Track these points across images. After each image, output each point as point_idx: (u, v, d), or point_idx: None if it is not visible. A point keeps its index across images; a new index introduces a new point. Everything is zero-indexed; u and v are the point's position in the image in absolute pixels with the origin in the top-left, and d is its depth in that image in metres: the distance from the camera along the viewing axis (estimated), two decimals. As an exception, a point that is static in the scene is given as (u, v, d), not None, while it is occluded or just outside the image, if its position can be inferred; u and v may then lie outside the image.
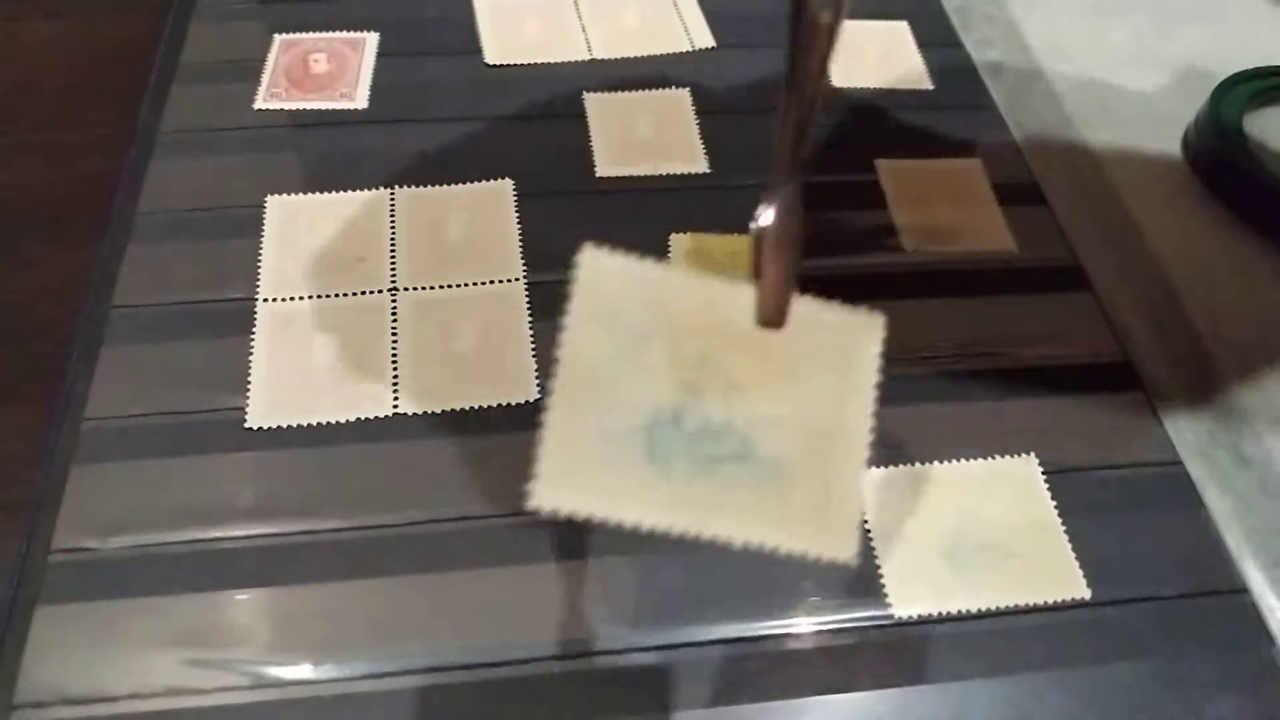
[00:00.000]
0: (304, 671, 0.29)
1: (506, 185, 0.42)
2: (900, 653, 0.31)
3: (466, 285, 0.39)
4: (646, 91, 0.47)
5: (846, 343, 0.23)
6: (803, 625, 0.31)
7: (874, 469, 0.34)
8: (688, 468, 0.21)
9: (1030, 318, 0.40)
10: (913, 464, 0.35)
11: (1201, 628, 0.32)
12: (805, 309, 0.23)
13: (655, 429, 0.22)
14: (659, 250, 0.41)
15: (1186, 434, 0.36)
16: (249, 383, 0.35)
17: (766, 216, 0.22)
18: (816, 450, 0.22)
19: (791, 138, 0.22)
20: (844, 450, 0.22)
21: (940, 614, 0.31)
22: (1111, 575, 0.33)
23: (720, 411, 0.22)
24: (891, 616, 0.31)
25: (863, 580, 0.32)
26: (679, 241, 0.41)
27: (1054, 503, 0.34)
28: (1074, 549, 0.33)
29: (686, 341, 0.22)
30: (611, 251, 0.22)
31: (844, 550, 0.22)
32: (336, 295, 0.38)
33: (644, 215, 0.42)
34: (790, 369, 0.22)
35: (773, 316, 0.22)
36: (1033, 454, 0.35)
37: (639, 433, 0.21)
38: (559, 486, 0.21)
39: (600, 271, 0.22)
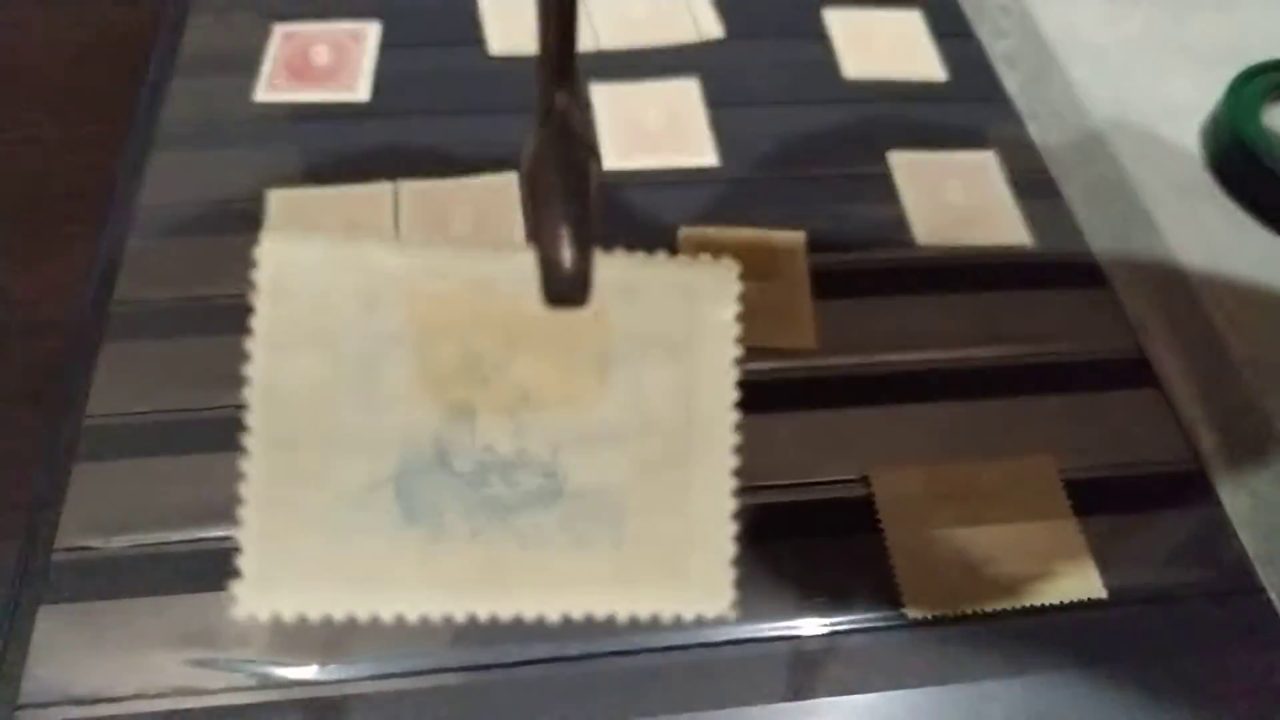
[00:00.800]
0: (309, 672, 0.29)
1: (512, 178, 0.42)
2: (914, 653, 0.30)
3: (472, 280, 0.38)
4: (655, 82, 0.46)
5: (685, 312, 0.16)
6: (815, 626, 0.31)
7: (879, 468, 0.34)
8: (468, 524, 0.15)
9: (1045, 313, 0.39)
10: (926, 462, 0.34)
11: (1219, 628, 0.32)
12: (615, 271, 0.16)
13: (410, 477, 0.15)
14: (667, 248, 0.40)
15: (1203, 432, 0.36)
16: (252, 379, 0.35)
17: (534, 142, 0.16)
18: (658, 471, 0.15)
19: (555, 36, 0.16)
20: (698, 465, 0.15)
21: (954, 614, 0.31)
22: (1128, 575, 0.32)
23: (507, 437, 0.15)
24: (905, 617, 0.31)
25: (876, 580, 0.32)
26: (689, 236, 0.40)
27: (1070, 501, 0.34)
28: (1090, 548, 0.33)
29: (443, 345, 0.15)
30: (304, 236, 0.15)
31: (716, 603, 0.16)
32: (340, 290, 0.37)
33: (653, 209, 0.41)
34: (604, 361, 0.15)
35: (567, 289, 0.15)
36: (1048, 452, 0.35)
37: (386, 487, 0.15)
38: (272, 585, 0.15)
39: (293, 268, 0.15)
